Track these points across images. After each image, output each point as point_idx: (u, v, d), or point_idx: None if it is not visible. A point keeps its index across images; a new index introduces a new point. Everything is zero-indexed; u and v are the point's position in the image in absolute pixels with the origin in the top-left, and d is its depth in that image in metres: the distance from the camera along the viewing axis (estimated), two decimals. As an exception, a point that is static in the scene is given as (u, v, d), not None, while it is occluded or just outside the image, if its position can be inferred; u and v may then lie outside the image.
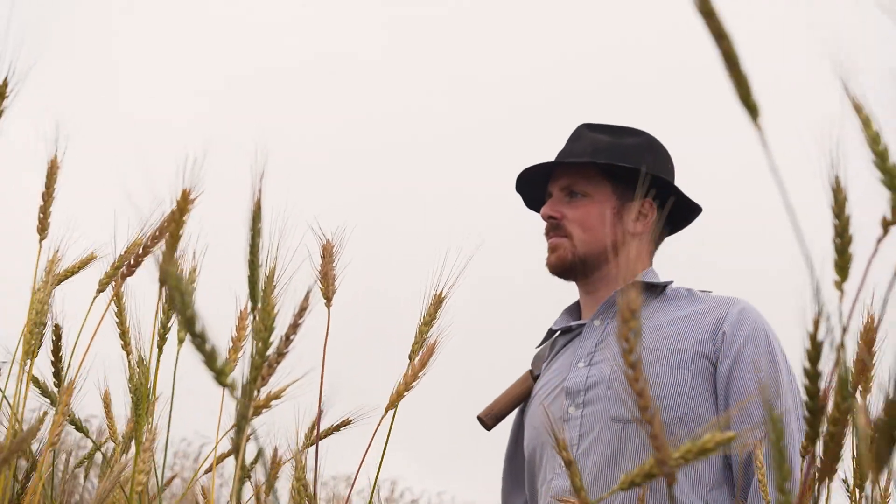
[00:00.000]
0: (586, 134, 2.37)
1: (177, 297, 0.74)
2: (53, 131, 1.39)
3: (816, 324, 0.70)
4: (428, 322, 1.37)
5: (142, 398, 1.24)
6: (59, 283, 1.35)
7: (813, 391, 0.70)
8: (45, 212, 1.38)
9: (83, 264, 1.39)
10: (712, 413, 2.07)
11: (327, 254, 1.34)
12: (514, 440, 2.50)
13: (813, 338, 0.70)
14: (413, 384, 1.34)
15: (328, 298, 1.32)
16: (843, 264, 0.68)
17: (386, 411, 1.34)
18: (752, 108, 0.64)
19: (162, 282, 1.26)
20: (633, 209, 2.33)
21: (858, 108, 0.68)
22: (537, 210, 2.45)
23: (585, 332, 2.32)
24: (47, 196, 1.37)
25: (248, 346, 1.31)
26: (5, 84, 1.28)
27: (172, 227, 1.14)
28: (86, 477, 1.69)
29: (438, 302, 1.39)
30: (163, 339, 1.24)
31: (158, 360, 1.24)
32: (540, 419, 2.30)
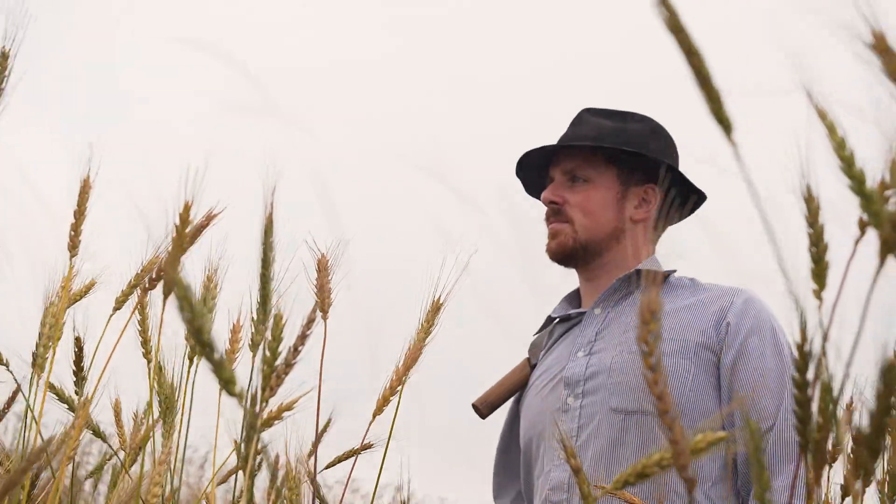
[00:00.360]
0: (589, 118, 2.35)
1: (185, 306, 0.76)
2: (86, 150, 1.42)
3: (803, 334, 0.71)
4: (426, 329, 1.39)
5: (169, 409, 1.27)
6: (71, 305, 1.38)
7: (802, 400, 0.72)
8: (76, 229, 1.41)
9: (87, 289, 1.42)
10: (715, 406, 2.04)
11: (322, 267, 1.36)
12: (508, 429, 2.45)
13: (800, 348, 0.72)
14: (398, 389, 1.36)
15: (324, 311, 1.34)
16: (819, 272, 0.69)
17: (374, 417, 1.36)
18: (724, 124, 0.65)
19: (167, 292, 1.29)
20: (636, 195, 2.30)
21: (823, 115, 0.69)
22: (537, 196, 2.42)
23: (585, 321, 2.28)
24: (79, 214, 1.40)
25: (245, 358, 1.34)
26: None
27: (175, 238, 1.18)
28: (94, 487, 1.71)
29: (436, 309, 1.41)
30: (193, 351, 1.28)
31: (189, 372, 1.27)
32: (537, 409, 2.27)
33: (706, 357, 2.08)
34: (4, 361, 1.50)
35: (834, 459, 1.25)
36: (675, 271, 2.30)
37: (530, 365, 2.40)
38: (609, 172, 2.30)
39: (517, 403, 2.44)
